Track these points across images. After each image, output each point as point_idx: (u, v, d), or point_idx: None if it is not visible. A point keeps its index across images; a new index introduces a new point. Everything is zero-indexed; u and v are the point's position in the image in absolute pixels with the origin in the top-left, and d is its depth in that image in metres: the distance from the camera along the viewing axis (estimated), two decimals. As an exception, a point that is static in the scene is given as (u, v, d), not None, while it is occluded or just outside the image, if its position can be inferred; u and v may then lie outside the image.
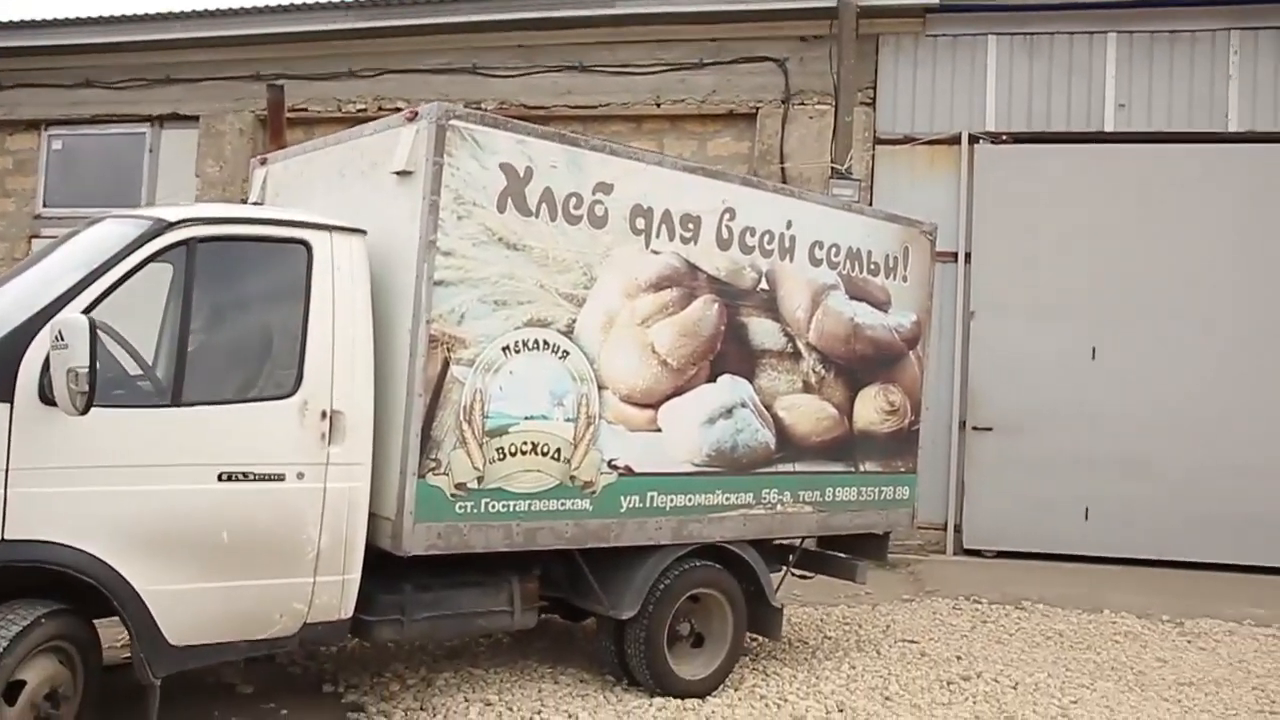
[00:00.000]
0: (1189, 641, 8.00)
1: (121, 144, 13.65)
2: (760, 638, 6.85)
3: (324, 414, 4.82)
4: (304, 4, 12.43)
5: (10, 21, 13.63)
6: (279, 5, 12.46)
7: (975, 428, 10.99)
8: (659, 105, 11.67)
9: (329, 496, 4.82)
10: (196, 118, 13.14)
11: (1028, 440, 10.83)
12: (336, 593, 4.91)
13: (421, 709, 5.52)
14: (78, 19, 13.32)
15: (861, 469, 6.89)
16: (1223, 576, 10.16)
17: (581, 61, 11.79)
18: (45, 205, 13.75)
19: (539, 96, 11.88)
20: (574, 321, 5.50)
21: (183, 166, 13.17)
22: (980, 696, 6.25)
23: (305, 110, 12.22)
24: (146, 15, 13.05)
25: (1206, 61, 10.93)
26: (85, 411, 4.09)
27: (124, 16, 13.13)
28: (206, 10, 12.78)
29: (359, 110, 11.85)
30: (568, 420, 5.47)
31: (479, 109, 6.23)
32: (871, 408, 6.95)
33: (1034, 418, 10.84)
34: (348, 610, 4.98)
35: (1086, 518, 10.71)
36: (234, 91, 12.91)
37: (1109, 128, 11.05)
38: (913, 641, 7.54)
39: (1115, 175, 10.90)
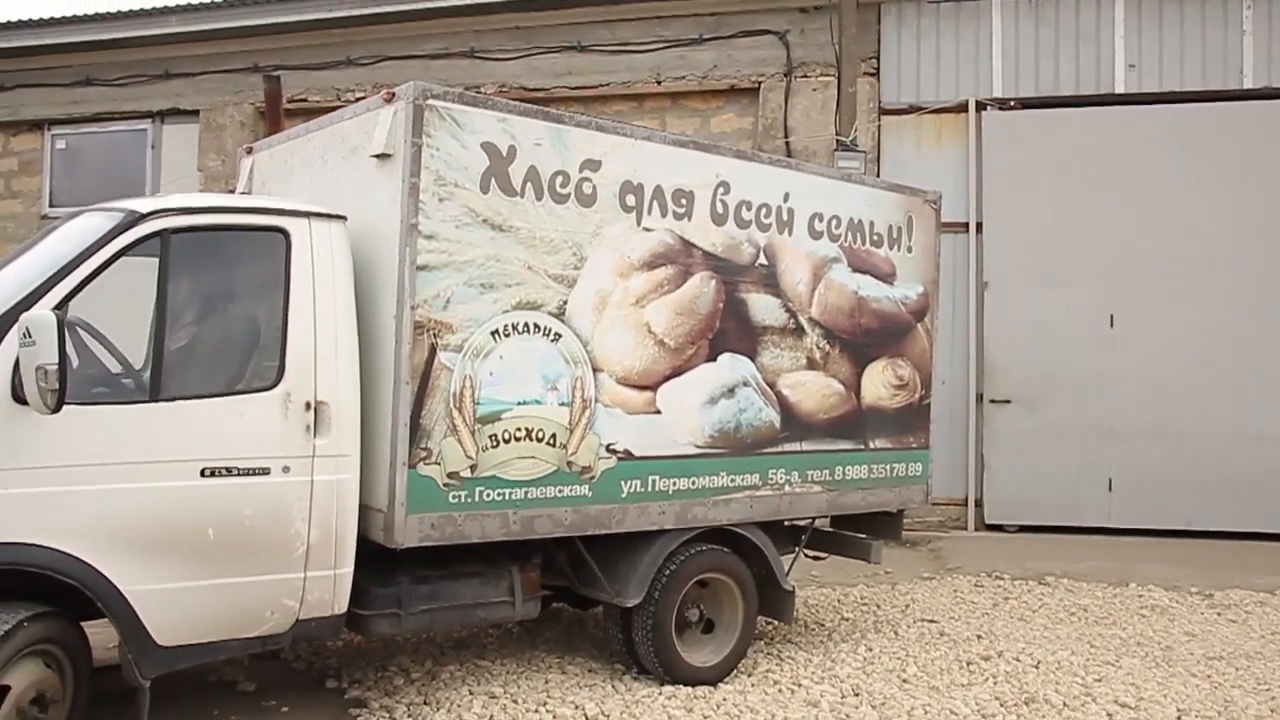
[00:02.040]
0: (1219, 614, 7.81)
1: (124, 141, 13.61)
2: (773, 621, 6.70)
3: (308, 405, 4.70)
4: None
5: (9, 22, 13.57)
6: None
7: (993, 400, 10.81)
8: (660, 83, 11.50)
9: (316, 490, 4.70)
10: (197, 112, 13.07)
11: (1047, 412, 10.65)
12: (329, 588, 4.79)
13: (425, 703, 5.41)
14: (75, 17, 13.26)
15: (871, 446, 6.73)
16: (1253, 546, 9.95)
17: (580, 41, 11.64)
18: (51, 205, 13.70)
19: (538, 78, 11.74)
20: (565, 303, 5.36)
21: (185, 161, 13.10)
22: (1001, 676, 6.08)
23: (304, 100, 12.16)
24: (143, 10, 12.92)
25: (1219, 17, 10.66)
26: (57, 410, 3.98)
27: (121, 13, 13.03)
28: (202, 3, 12.64)
29: (358, 98, 11.66)
30: (562, 404, 5.33)
31: (478, 93, 6.08)
32: (880, 383, 6.78)
33: (1052, 389, 10.65)
34: (341, 605, 4.86)
35: (1110, 489, 10.53)
36: (233, 84, 12.83)
37: (1120, 90, 10.82)
38: (932, 621, 7.38)
39: (1128, 138, 10.66)
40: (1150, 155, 10.59)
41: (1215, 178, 10.48)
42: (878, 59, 11.16)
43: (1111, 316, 10.66)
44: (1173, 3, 10.72)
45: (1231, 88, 10.61)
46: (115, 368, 4.68)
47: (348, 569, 4.84)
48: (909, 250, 7.01)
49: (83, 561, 4.19)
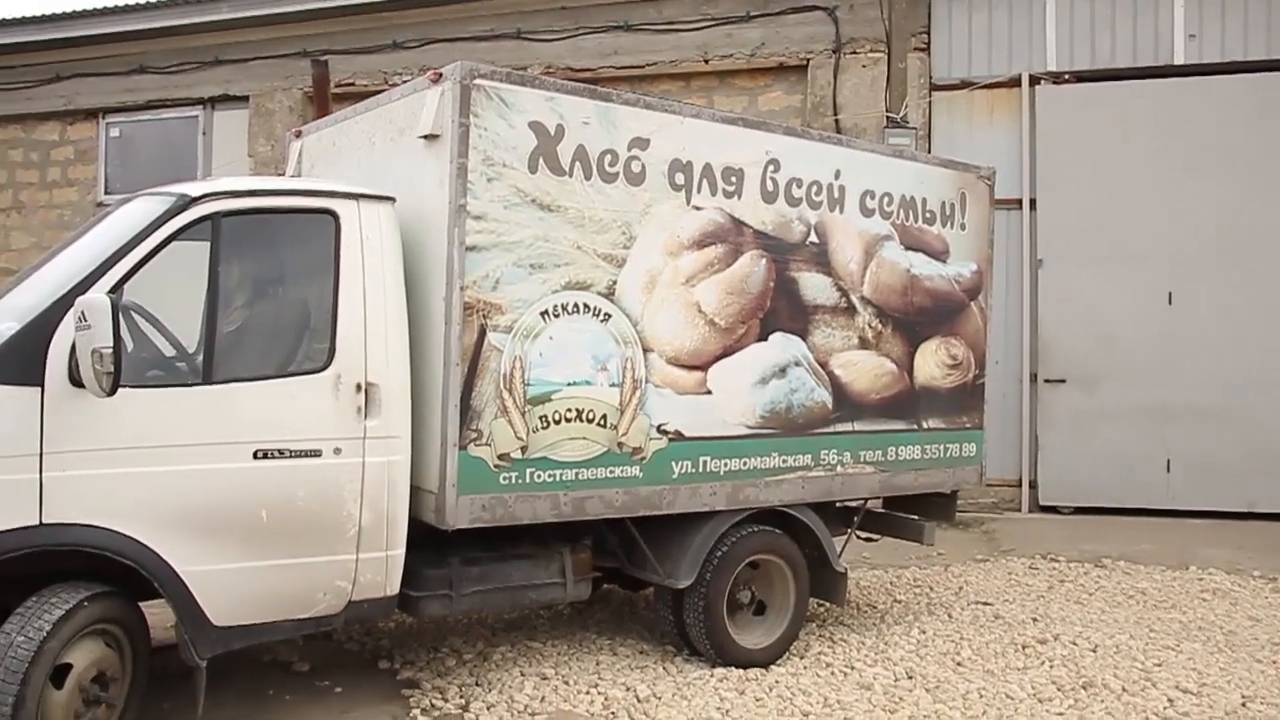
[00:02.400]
0: (1284, 598, 7.63)
1: (176, 128, 13.77)
2: (825, 603, 6.65)
3: (359, 387, 4.71)
4: None
5: (66, 13, 13.77)
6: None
7: (1047, 380, 10.63)
8: (707, 61, 11.40)
9: (368, 471, 4.71)
10: (246, 98, 13.19)
11: (1103, 391, 10.46)
12: (380, 569, 4.81)
13: (477, 684, 5.42)
14: (129, 6, 13.37)
15: (924, 426, 6.64)
16: (1317, 528, 9.70)
17: (627, 21, 11.56)
18: (106, 192, 13.89)
19: (585, 59, 11.69)
20: (614, 283, 5.32)
21: (236, 147, 13.22)
22: (1058, 660, 5.99)
23: (352, 84, 12.21)
24: (194, -2, 13.07)
25: (1285, -18, 10.36)
26: (112, 392, 4.01)
27: (172, 1, 13.14)
28: (251, -11, 12.75)
29: (405, 82, 11.70)
30: (612, 385, 5.30)
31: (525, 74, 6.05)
32: (933, 362, 6.69)
33: (1109, 368, 10.46)
34: (393, 587, 4.88)
35: (1168, 470, 10.33)
36: (282, 69, 12.92)
37: (1179, 60, 10.55)
38: (986, 603, 7.28)
39: (1187, 111, 10.40)
40: (1211, 128, 10.32)
41: (1278, 151, 10.18)
42: (928, 34, 10.98)
43: (1170, 294, 10.44)
44: (1236, -31, 10.43)
45: (1296, 57, 10.31)
46: (169, 351, 4.73)
47: (400, 550, 4.85)
48: (962, 227, 6.89)
49: (139, 543, 4.23)
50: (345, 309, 4.74)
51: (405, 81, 6.05)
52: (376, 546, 4.77)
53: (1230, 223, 10.27)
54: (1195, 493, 10.20)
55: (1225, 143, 10.29)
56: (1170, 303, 10.44)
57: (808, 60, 11.15)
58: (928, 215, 6.70)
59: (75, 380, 4.08)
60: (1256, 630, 6.77)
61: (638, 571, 5.84)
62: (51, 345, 4.13)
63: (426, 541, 5.02)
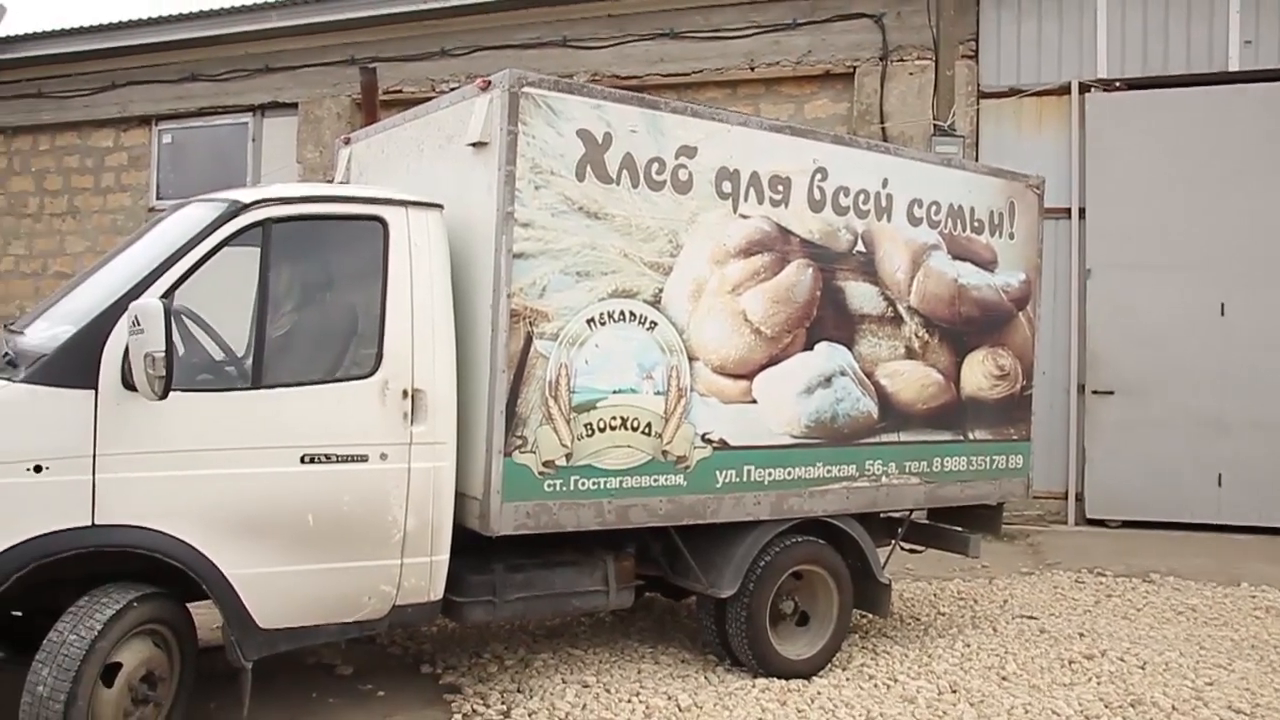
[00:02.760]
0: (1340, 617, 7.47)
1: (226, 134, 13.95)
2: (869, 615, 6.59)
3: (405, 393, 4.73)
4: None
5: (120, 22, 13.99)
6: (370, -11, 12.53)
7: (1095, 391, 10.48)
8: (753, 69, 11.37)
9: (413, 477, 4.74)
10: (295, 105, 13.32)
11: (1152, 403, 10.30)
12: (425, 574, 4.83)
13: (518, 690, 5.43)
14: (181, 15, 13.60)
15: (971, 437, 6.57)
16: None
17: (673, 28, 11.56)
18: (158, 197, 14.10)
19: (631, 66, 11.70)
20: (660, 291, 5.31)
21: (284, 153, 13.37)
22: (1105, 676, 5.90)
23: (399, 91, 12.29)
24: (244, 6, 13.23)
25: (1346, -12, 10.17)
26: (164, 396, 4.06)
27: (224, 9, 13.35)
28: (302, -3, 12.91)
29: (453, 89, 11.79)
30: (658, 393, 5.29)
31: (572, 81, 6.06)
32: (980, 372, 6.62)
33: (1158, 379, 10.30)
34: (437, 592, 4.91)
35: (1219, 484, 10.15)
36: (330, 77, 13.04)
37: (1234, 67, 10.37)
38: (1032, 617, 7.18)
39: (1242, 118, 10.22)
40: (1266, 136, 10.14)
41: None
42: (976, 41, 10.88)
43: (1222, 305, 10.27)
44: (1294, -28, 10.26)
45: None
46: (218, 355, 4.78)
47: (444, 556, 4.87)
48: (1010, 237, 6.82)
49: (188, 545, 4.28)
50: (393, 315, 4.77)
51: (452, 89, 6.09)
52: (421, 552, 4.80)
53: (1283, 231, 10.08)
54: (1247, 507, 10.02)
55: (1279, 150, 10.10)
56: (1223, 313, 10.27)
57: (854, 68, 11.09)
58: (976, 224, 6.64)
59: (128, 384, 4.14)
60: (1312, 650, 6.64)
61: (681, 580, 5.83)
62: (105, 349, 4.20)
63: (470, 547, 5.04)
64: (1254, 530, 9.90)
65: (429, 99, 5.90)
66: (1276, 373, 10.01)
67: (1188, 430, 10.18)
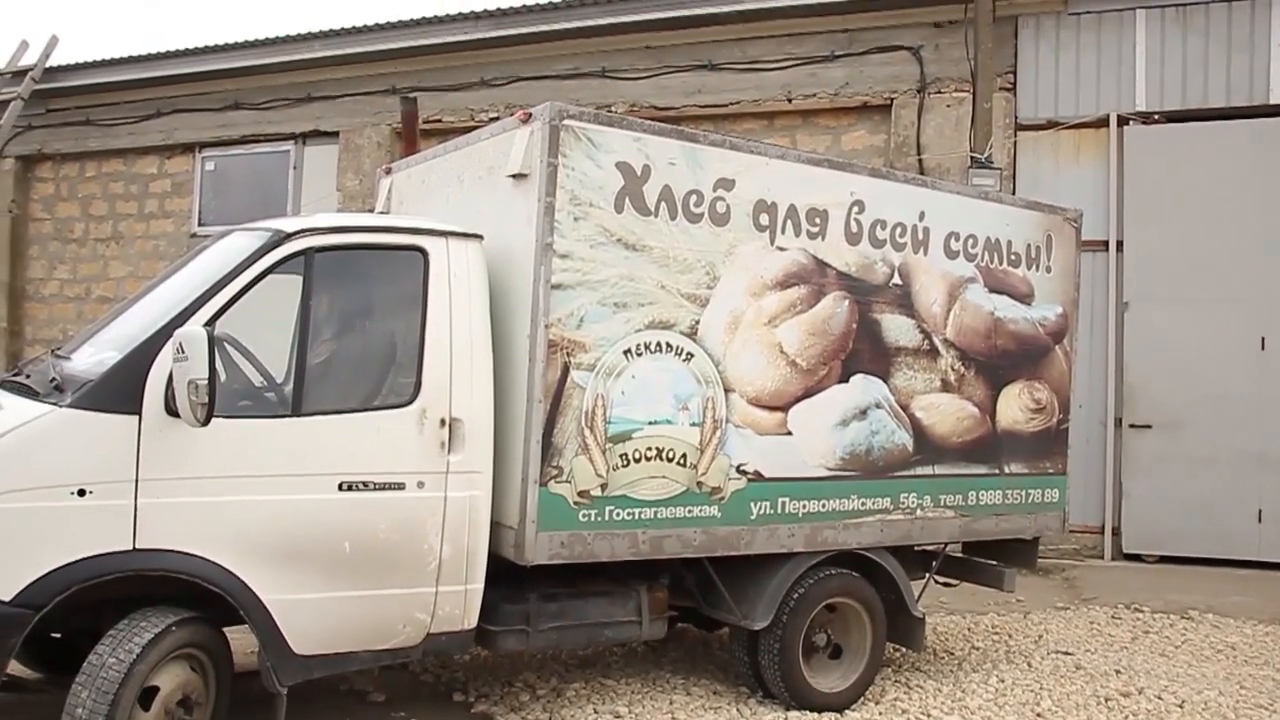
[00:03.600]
0: (1382, 657, 7.34)
1: (268, 162, 14.15)
2: (902, 649, 6.55)
3: (443, 422, 4.78)
4: (435, 17, 12.67)
5: (166, 51, 14.28)
6: (411, 20, 12.73)
7: (1132, 425, 10.38)
8: (790, 101, 11.41)
9: (450, 505, 4.78)
10: (336, 133, 13.50)
11: (1190, 437, 10.18)
12: (460, 603, 4.86)
13: (550, 719, 5.43)
14: (225, 45, 13.83)
15: (1006, 471, 6.54)
16: None
17: (710, 60, 11.63)
18: (200, 224, 14.31)
19: (668, 97, 11.78)
20: (697, 322, 5.34)
21: (324, 181, 13.54)
22: (1142, 714, 5.83)
23: (439, 121, 12.45)
24: (288, 36, 13.46)
25: (1388, 20, 10.09)
26: (206, 423, 4.12)
27: (267, 39, 13.58)
28: (343, 28, 13.09)
29: (492, 119, 11.91)
30: (693, 424, 5.31)
31: (609, 112, 6.12)
32: (1016, 406, 6.59)
33: (1197, 413, 10.17)
34: (471, 620, 4.93)
35: (1260, 520, 10.00)
36: (371, 106, 13.22)
37: (1275, 100, 10.28)
38: (1067, 653, 7.11)
39: (1282, 151, 10.14)
40: (1307, 169, 10.07)
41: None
42: (1014, 73, 10.87)
43: (1263, 339, 10.15)
44: (1338, 5, 10.19)
45: (1400, 96, 10.04)
46: (259, 381, 4.84)
47: (478, 585, 4.90)
48: (1048, 270, 6.81)
49: (226, 570, 4.33)
50: (431, 344, 4.82)
51: (492, 119, 6.17)
52: (456, 580, 4.82)
53: (1326, 267, 9.98)
54: (1289, 545, 9.87)
55: (1321, 185, 10.03)
56: (1263, 348, 10.15)
57: (891, 100, 11.11)
58: (1013, 258, 6.63)
59: (171, 410, 4.21)
60: (1355, 691, 6.53)
61: (714, 611, 5.82)
62: (150, 375, 4.26)
63: (505, 576, 5.05)
64: (1295, 568, 9.75)
65: (469, 129, 5.98)
66: (1319, 409, 9.88)
67: (1227, 465, 10.05)
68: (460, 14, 12.50)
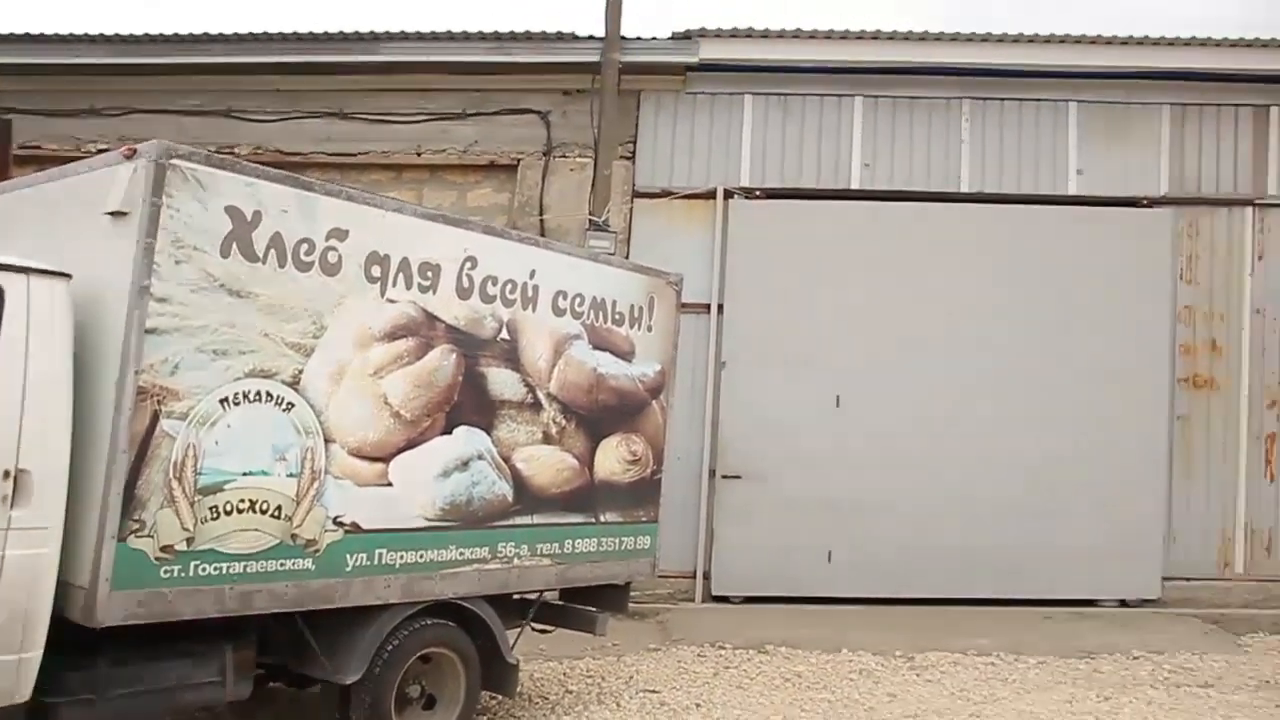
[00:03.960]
0: (918, 675, 8.36)
1: None
2: (497, 695, 6.73)
3: (7, 474, 4.44)
4: (44, 35, 11.53)
5: None
6: (14, 35, 11.53)
7: (724, 475, 11.18)
8: (420, 155, 11.52)
9: (7, 566, 4.42)
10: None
11: (773, 487, 11.09)
12: (11, 674, 4.45)
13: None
14: None
15: (602, 519, 6.93)
16: (960, 610, 10.61)
17: (343, 108, 11.49)
18: None
19: (297, 142, 11.47)
20: (300, 372, 5.31)
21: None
22: (712, 744, 6.35)
23: (38, 147, 11.37)
24: None
25: (942, 127, 11.66)
26: None
27: None
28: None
29: (100, 150, 11.06)
30: (290, 475, 5.26)
31: (231, 153, 5.96)
32: (613, 458, 7.01)
33: (780, 464, 11.12)
34: (24, 693, 4.51)
35: (829, 560, 11.05)
36: (-41, 124, 11.91)
37: (855, 185, 11.60)
38: (654, 691, 7.59)
39: (859, 231, 11.38)
40: (878, 248, 11.32)
41: (936, 268, 11.31)
42: (634, 143, 11.56)
43: (838, 397, 11.28)
44: (904, 111, 11.63)
45: (950, 190, 11.60)
46: None
47: (35, 652, 4.52)
48: (649, 329, 7.30)
49: None
50: (1, 389, 4.48)
51: (101, 150, 5.83)
52: (9, 649, 4.43)
53: (893, 331, 11.23)
54: (852, 581, 10.95)
55: (892, 260, 11.31)
56: (838, 405, 11.29)
57: (518, 160, 11.47)
58: (617, 316, 7.07)
59: None
60: (893, 705, 7.42)
61: (304, 667, 5.71)
62: None
63: (74, 642, 4.70)
64: (858, 601, 10.82)
65: (74, 158, 5.62)
66: (879, 459, 11.10)
67: (804, 512, 11.02)
68: (73, 35, 11.50)
